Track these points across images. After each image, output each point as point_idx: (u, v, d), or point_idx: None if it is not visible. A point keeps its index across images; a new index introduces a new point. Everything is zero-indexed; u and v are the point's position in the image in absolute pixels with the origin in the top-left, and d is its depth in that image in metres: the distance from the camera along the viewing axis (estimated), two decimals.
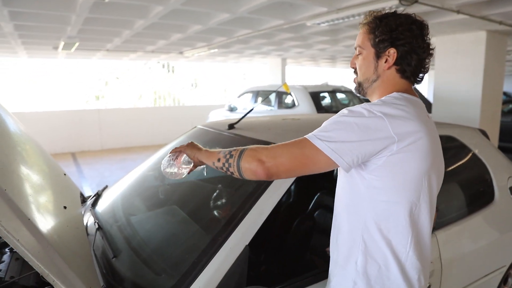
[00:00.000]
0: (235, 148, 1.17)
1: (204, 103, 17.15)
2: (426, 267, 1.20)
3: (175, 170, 1.29)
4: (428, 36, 1.17)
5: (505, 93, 16.36)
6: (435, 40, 6.46)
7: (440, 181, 1.23)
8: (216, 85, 19.86)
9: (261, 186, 1.48)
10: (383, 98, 1.14)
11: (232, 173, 1.15)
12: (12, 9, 4.24)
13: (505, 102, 9.71)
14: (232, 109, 8.26)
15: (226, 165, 1.15)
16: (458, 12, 4.43)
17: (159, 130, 10.42)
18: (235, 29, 5.87)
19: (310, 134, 1.10)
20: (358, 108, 1.08)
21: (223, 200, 1.71)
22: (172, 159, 1.30)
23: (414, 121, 1.06)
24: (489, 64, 5.91)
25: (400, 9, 4.04)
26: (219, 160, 1.18)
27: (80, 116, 9.91)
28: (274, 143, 1.18)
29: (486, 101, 6.04)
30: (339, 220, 1.23)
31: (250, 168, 1.10)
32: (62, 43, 6.49)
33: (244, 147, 1.15)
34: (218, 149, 1.24)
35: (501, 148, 7.59)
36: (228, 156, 1.16)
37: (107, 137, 10.11)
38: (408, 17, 1.16)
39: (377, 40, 1.16)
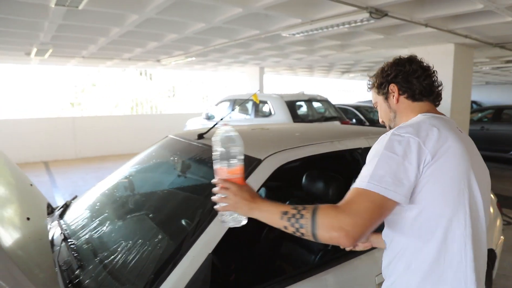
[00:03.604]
0: (304, 206, 1.07)
1: (182, 111, 17.06)
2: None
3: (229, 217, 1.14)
4: (420, 62, 1.29)
5: (475, 102, 16.99)
6: (407, 52, 6.68)
7: (484, 192, 1.20)
8: (196, 93, 19.81)
9: None
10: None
11: (302, 234, 1.05)
12: None
13: (474, 111, 10.07)
14: (209, 118, 8.26)
15: (296, 225, 1.04)
16: (426, 25, 4.62)
17: (136, 138, 10.29)
18: (211, 38, 5.91)
19: (364, 182, 1.05)
20: (386, 137, 1.12)
21: (191, 209, 1.72)
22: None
23: (441, 132, 1.10)
24: (457, 75, 6.15)
25: (371, 22, 4.20)
26: (282, 218, 1.07)
27: (54, 124, 9.68)
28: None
29: (455, 111, 6.26)
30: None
31: (331, 238, 1.00)
32: (35, 49, 6.37)
33: (315, 207, 1.05)
34: (277, 205, 1.11)
35: None
36: (298, 216, 1.05)
37: (82, 145, 9.91)
38: (394, 58, 1.32)
39: (379, 87, 1.33)
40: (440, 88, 1.32)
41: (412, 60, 1.28)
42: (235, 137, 1.10)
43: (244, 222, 1.15)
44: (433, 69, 1.30)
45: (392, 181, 1.03)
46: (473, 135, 8.20)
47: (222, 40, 6.02)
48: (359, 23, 4.21)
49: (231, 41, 5.98)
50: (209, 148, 1.97)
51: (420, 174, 1.06)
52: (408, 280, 1.14)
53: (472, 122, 9.01)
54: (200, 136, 2.13)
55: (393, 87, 1.28)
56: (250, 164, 1.63)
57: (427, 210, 1.08)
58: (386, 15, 4.02)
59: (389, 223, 1.18)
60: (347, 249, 1.48)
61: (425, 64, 1.29)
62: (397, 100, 1.28)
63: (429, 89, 1.27)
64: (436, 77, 1.31)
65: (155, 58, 8.63)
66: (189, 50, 7.14)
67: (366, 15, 3.91)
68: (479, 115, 10.06)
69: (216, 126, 2.18)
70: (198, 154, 2.00)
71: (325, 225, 1.01)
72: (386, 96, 1.31)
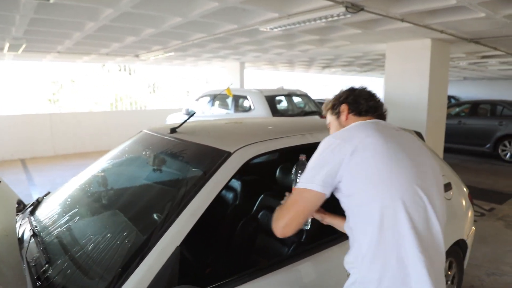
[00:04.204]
0: None
1: (163, 106, 16.90)
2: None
3: None
4: (369, 90, 1.53)
5: (453, 97, 17.36)
6: (385, 46, 6.77)
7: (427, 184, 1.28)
8: (177, 88, 19.63)
9: (193, 188, 1.50)
10: None
11: None
12: None
13: (452, 106, 10.29)
14: (189, 113, 8.21)
15: None
16: (402, 20, 4.68)
17: (116, 134, 10.15)
18: (189, 33, 5.86)
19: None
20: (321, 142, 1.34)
21: (162, 203, 1.72)
22: None
23: (365, 132, 1.28)
24: (434, 70, 6.26)
25: (347, 16, 4.23)
26: None
27: (30, 121, 9.45)
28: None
29: (432, 105, 6.38)
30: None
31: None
32: (7, 44, 6.19)
33: None
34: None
35: (448, 148, 8.07)
36: None
37: (60, 142, 9.72)
38: (348, 87, 1.56)
39: (332, 108, 1.54)
40: (384, 110, 1.51)
41: (362, 88, 1.53)
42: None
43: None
44: (378, 96, 1.52)
45: (314, 176, 1.25)
46: (450, 129, 8.43)
47: (200, 35, 5.98)
48: (336, 18, 4.24)
49: (209, 36, 5.94)
50: (180, 142, 1.97)
51: (342, 168, 1.22)
52: (360, 266, 1.26)
53: (449, 116, 9.22)
54: (173, 130, 2.12)
55: (344, 107, 1.48)
56: (220, 157, 1.64)
57: (358, 198, 1.23)
58: (362, 9, 4.05)
59: (347, 217, 1.33)
60: (324, 222, 1.66)
61: (372, 91, 1.53)
62: (346, 117, 1.48)
63: (374, 107, 1.47)
64: (380, 101, 1.52)
65: (134, 53, 8.51)
66: (168, 45, 7.07)
67: (342, 9, 3.94)
68: (457, 109, 10.28)
69: (187, 120, 2.18)
70: (169, 148, 2.00)
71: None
72: (338, 115, 1.51)
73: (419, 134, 2.77)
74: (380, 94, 1.58)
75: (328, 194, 1.27)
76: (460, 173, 3.09)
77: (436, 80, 6.37)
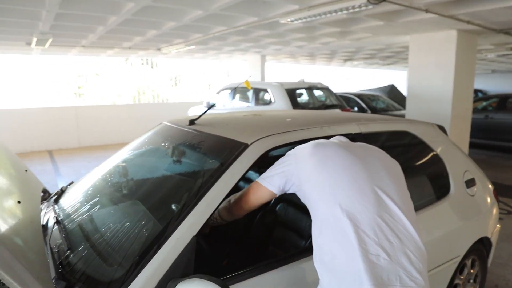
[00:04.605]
0: None
1: (184, 100, 17.06)
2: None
3: None
4: None
5: (480, 91, 16.81)
6: (408, 38, 6.61)
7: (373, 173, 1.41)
8: (199, 82, 19.78)
9: (210, 179, 1.52)
10: None
11: None
12: None
13: (479, 100, 9.97)
14: (212, 107, 8.25)
15: None
16: (426, 11, 4.55)
17: (138, 127, 10.31)
18: (210, 26, 5.88)
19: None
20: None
21: (179, 193, 1.74)
22: None
23: (319, 144, 1.48)
24: (460, 62, 6.07)
25: (369, 7, 4.15)
26: None
27: (57, 113, 9.76)
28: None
29: (457, 99, 6.20)
30: None
31: None
32: (35, 39, 6.38)
33: None
34: None
35: (474, 144, 7.84)
36: None
37: (85, 134, 10.00)
38: None
39: None
40: None
41: None
42: None
43: None
44: None
45: (273, 178, 1.49)
46: (477, 124, 8.17)
47: (221, 28, 5.99)
48: (357, 9, 4.17)
49: (230, 29, 5.94)
50: (198, 134, 1.99)
51: (300, 173, 1.41)
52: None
53: (476, 111, 8.91)
54: (192, 122, 2.14)
55: None
56: (237, 148, 1.64)
57: (313, 188, 1.38)
58: (384, 0, 3.97)
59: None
60: None
61: None
62: None
63: None
64: None
65: (155, 47, 8.61)
66: (189, 38, 7.11)
67: (363, 0, 3.87)
68: (484, 103, 9.93)
69: (206, 112, 2.19)
70: (188, 140, 2.02)
71: None
72: None
73: (441, 128, 2.70)
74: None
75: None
76: (486, 169, 3.00)
77: (462, 73, 6.18)
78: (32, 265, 1.29)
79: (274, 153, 1.84)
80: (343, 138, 1.65)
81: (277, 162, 1.52)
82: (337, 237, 1.27)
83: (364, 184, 1.34)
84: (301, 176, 1.40)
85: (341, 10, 4.28)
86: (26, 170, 2.20)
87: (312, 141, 1.52)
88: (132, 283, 1.27)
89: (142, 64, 17.79)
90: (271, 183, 1.48)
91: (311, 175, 1.38)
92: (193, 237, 1.36)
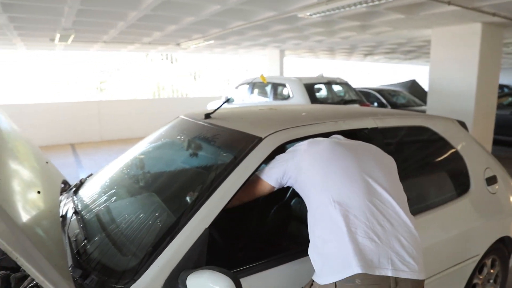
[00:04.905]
0: None
1: (204, 94, 17.17)
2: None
3: None
4: None
5: (506, 86, 16.25)
6: (430, 32, 6.45)
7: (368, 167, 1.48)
8: (218, 77, 19.87)
9: (224, 172, 1.53)
10: None
11: None
12: (4, 1, 4.28)
13: (504, 95, 9.65)
14: (228, 101, 8.30)
15: None
16: (449, 3, 4.43)
17: (158, 121, 10.43)
18: (228, 21, 5.89)
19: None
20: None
21: (193, 186, 1.76)
22: None
23: (315, 141, 1.58)
24: (484, 57, 5.89)
25: (389, 0, 4.07)
26: None
27: (79, 108, 9.99)
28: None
29: (481, 94, 6.03)
30: None
31: None
32: (58, 35, 6.53)
33: None
34: None
35: (498, 141, 7.59)
36: None
37: (107, 128, 10.20)
38: None
39: None
40: None
41: None
42: None
43: None
44: None
45: (271, 171, 1.58)
46: (502, 120, 7.90)
47: (239, 22, 5.98)
48: (376, 2, 4.09)
49: (248, 23, 5.93)
50: (213, 127, 2.00)
51: (296, 168, 1.51)
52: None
53: (501, 106, 8.63)
54: (207, 115, 2.16)
55: None
56: (251, 142, 1.64)
57: (307, 179, 1.47)
58: None
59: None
60: None
61: None
62: None
63: None
64: None
65: (175, 42, 8.68)
66: (208, 33, 7.14)
67: None
68: (510, 99, 9.61)
69: (221, 106, 2.20)
70: (203, 133, 2.04)
71: None
72: None
73: (462, 124, 2.63)
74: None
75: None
76: (510, 167, 2.91)
77: (486, 67, 5.99)
78: (50, 253, 1.32)
79: (290, 146, 1.83)
80: (340, 137, 1.72)
81: (276, 158, 1.61)
82: (327, 223, 1.32)
83: (354, 173, 1.42)
84: (296, 169, 1.50)
85: (360, 3, 4.21)
86: (47, 162, 2.26)
87: (309, 139, 1.62)
88: (145, 273, 1.29)
89: (162, 59, 17.99)
90: (270, 177, 1.57)
91: (305, 168, 1.48)
92: (206, 229, 1.37)
